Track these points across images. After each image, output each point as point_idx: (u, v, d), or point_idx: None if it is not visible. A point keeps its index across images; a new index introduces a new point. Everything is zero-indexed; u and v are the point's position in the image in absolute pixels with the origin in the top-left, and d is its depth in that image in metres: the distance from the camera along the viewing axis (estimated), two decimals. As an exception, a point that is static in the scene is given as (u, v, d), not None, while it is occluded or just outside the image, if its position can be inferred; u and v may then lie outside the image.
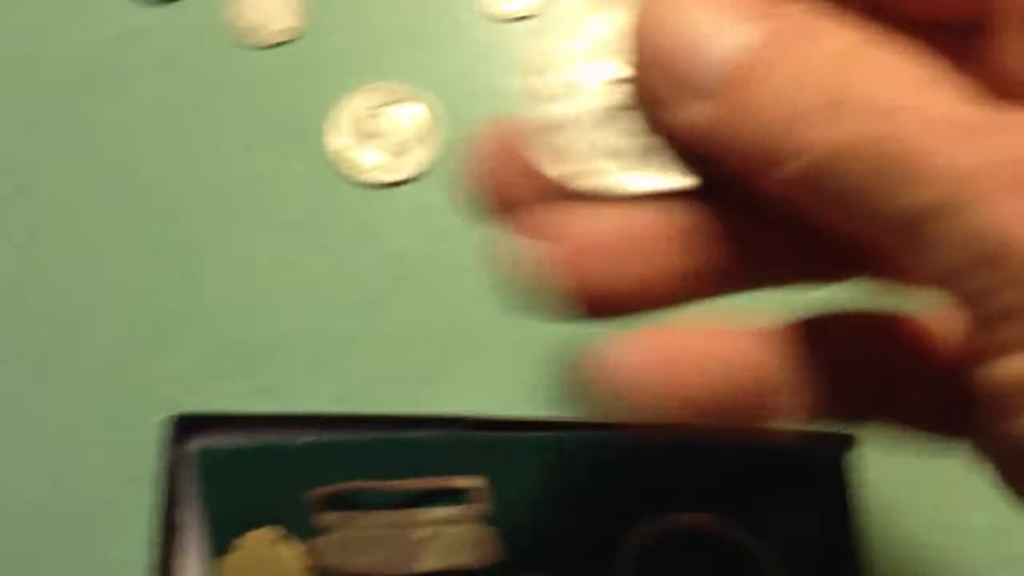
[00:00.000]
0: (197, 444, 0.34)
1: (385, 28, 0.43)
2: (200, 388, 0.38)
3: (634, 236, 0.20)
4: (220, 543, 0.33)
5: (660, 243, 0.19)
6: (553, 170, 0.20)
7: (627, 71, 0.20)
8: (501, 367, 0.38)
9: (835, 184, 0.17)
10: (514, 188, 0.21)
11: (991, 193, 0.15)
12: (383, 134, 0.41)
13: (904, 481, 0.36)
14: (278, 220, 0.41)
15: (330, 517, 0.34)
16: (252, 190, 0.41)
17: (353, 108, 0.42)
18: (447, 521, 0.34)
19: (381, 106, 0.42)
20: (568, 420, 0.34)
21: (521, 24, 0.43)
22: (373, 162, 0.41)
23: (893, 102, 0.16)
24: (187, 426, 0.34)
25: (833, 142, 0.17)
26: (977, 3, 0.19)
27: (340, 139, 0.41)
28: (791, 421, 0.20)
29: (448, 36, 0.44)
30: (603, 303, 0.20)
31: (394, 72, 0.43)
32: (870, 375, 0.20)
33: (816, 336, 0.20)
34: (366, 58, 0.43)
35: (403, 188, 0.41)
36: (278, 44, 0.43)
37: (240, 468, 0.34)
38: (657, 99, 0.19)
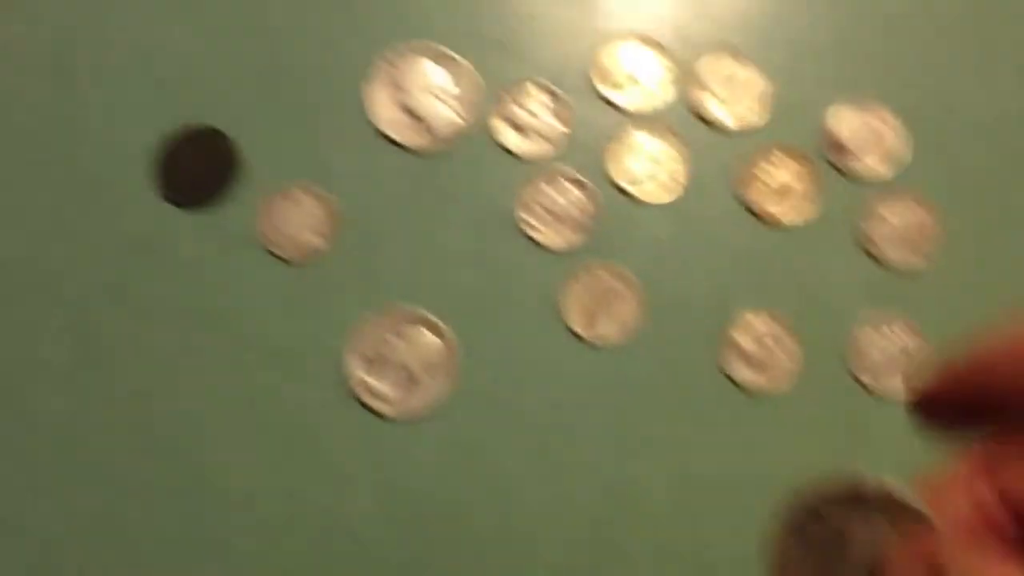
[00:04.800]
0: None
1: (410, 250, 0.41)
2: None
3: None
4: None
5: None
6: None
7: None
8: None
9: None
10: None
11: None
12: (398, 363, 0.40)
13: None
14: (289, 448, 0.39)
15: None
16: (264, 411, 0.41)
17: (369, 332, 0.40)
18: None
19: (396, 331, 0.40)
20: None
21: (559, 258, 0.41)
22: (387, 392, 0.39)
23: None
24: None
25: None
26: None
27: (357, 364, 0.40)
28: None
29: (473, 257, 0.43)
30: None
31: (414, 295, 0.41)
32: None
33: None
34: (388, 280, 0.41)
35: (416, 424, 0.39)
36: (303, 260, 0.41)
37: None
38: None
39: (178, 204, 0.42)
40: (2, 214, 0.42)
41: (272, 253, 0.42)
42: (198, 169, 0.42)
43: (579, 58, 0.44)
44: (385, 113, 0.43)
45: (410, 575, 0.38)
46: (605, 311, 0.41)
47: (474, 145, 0.43)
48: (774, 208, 0.43)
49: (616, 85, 0.44)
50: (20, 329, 0.41)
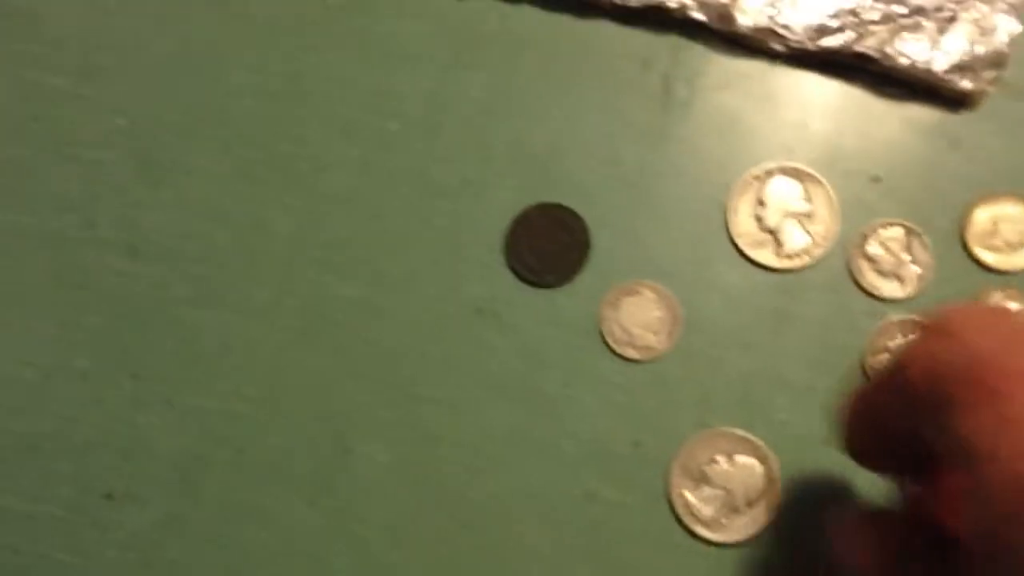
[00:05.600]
0: None
1: (747, 370, 0.41)
2: None
3: None
4: None
5: None
6: None
7: None
8: None
9: None
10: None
11: None
12: (719, 486, 0.39)
13: None
14: (597, 553, 0.39)
15: None
16: (578, 511, 0.42)
17: (699, 449, 0.39)
18: None
19: (721, 455, 0.39)
20: None
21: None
22: (707, 514, 0.39)
23: None
24: None
25: None
26: None
27: (682, 480, 0.39)
28: None
29: (807, 392, 0.42)
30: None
31: (746, 419, 0.40)
32: None
33: None
34: (721, 397, 0.40)
35: (730, 551, 0.39)
36: (639, 359, 0.41)
37: None
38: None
39: (523, 279, 0.43)
40: (350, 263, 0.42)
41: (608, 346, 0.42)
42: (549, 248, 0.43)
43: (952, 207, 0.43)
44: (743, 227, 0.43)
45: None
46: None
47: (826, 275, 0.42)
48: None
49: (986, 242, 0.42)
50: (344, 380, 0.42)
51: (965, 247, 0.42)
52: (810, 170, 0.43)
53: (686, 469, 0.40)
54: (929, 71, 0.43)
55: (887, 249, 0.42)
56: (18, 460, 0.41)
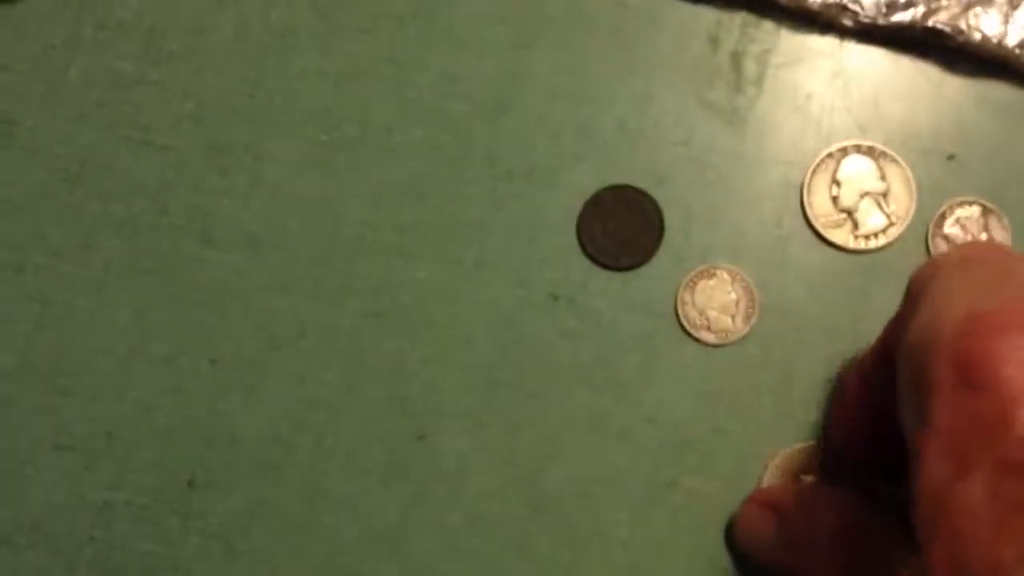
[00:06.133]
0: None
1: (830, 357, 0.41)
2: None
3: None
4: None
5: None
6: None
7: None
8: None
9: None
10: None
11: None
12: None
13: None
14: (693, 540, 0.39)
15: None
16: (658, 497, 0.42)
17: (792, 457, 0.39)
18: None
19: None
20: None
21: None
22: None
23: None
24: None
25: None
26: None
27: (772, 475, 0.39)
28: None
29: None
30: None
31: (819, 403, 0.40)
32: None
33: None
34: (798, 379, 0.40)
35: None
36: (716, 343, 0.41)
37: None
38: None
39: (598, 262, 0.42)
40: (421, 247, 0.43)
41: (685, 330, 0.42)
42: (622, 231, 0.42)
43: (1026, 182, 0.42)
44: (819, 207, 0.42)
45: None
46: None
47: (904, 255, 0.42)
48: None
49: (1063, 219, 0.42)
50: (419, 366, 0.42)
51: (1040, 222, 0.42)
52: (884, 148, 0.43)
53: (783, 472, 0.40)
54: (1001, 45, 0.43)
55: (964, 228, 0.42)
56: (95, 448, 0.41)
